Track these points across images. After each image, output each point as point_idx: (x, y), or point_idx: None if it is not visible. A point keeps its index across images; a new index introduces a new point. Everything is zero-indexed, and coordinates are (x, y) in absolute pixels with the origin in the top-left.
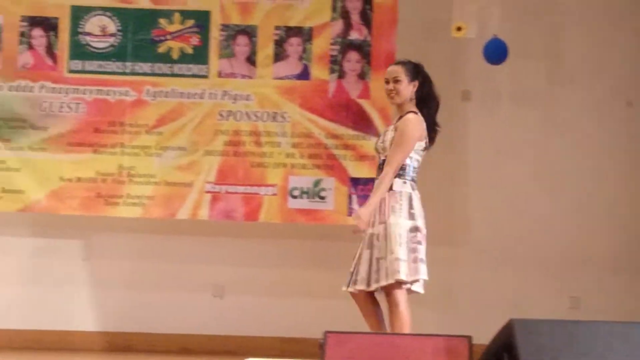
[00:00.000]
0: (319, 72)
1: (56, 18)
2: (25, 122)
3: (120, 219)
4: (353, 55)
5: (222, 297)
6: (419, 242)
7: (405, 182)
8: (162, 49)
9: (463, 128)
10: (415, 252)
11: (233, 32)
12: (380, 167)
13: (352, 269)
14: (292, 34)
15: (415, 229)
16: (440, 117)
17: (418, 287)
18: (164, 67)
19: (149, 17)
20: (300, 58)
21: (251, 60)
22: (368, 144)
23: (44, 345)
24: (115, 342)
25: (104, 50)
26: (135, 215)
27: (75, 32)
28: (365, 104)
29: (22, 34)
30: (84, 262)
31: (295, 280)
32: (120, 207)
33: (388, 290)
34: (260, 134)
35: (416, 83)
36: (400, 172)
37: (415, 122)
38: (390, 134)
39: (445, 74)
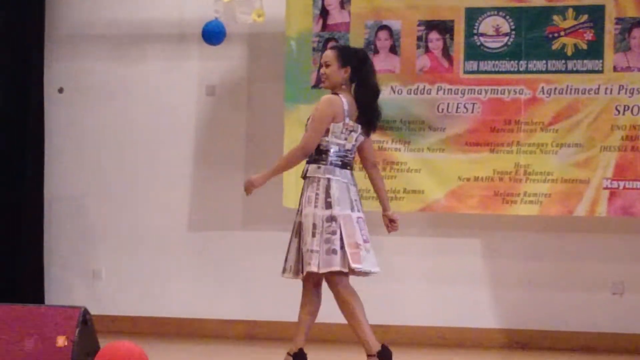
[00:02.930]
0: None
1: (452, 21)
2: (423, 123)
3: (515, 217)
4: None
5: (622, 294)
6: (334, 232)
7: (320, 167)
8: (556, 45)
9: None
10: (328, 242)
11: (628, 25)
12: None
13: (285, 256)
14: None
15: (330, 219)
16: None
17: (367, 267)
18: (558, 64)
19: (542, 15)
20: None
21: None
22: None
23: (448, 342)
24: (515, 338)
25: (498, 50)
26: (533, 213)
27: (470, 33)
28: None
29: (419, 38)
30: (483, 260)
31: None
32: (517, 205)
33: (325, 277)
34: None
35: (348, 69)
36: (317, 157)
37: (327, 103)
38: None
39: None
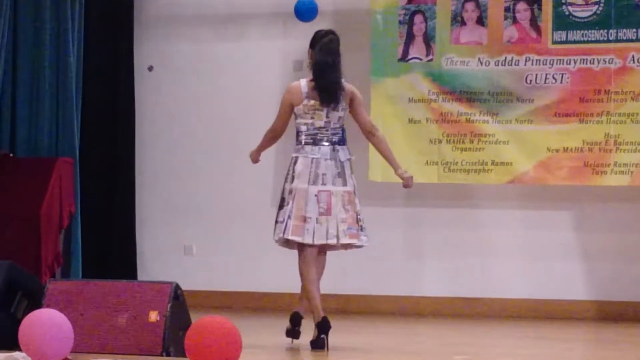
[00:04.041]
0: None
1: None
2: (511, 95)
3: (606, 188)
4: None
5: None
6: (283, 205)
7: (295, 147)
8: None
9: None
10: (281, 214)
11: None
12: None
13: None
14: None
15: (287, 192)
16: None
17: (308, 239)
18: None
19: None
20: None
21: None
22: None
23: (539, 314)
24: (606, 310)
25: (587, 19)
26: (623, 183)
27: (558, 2)
28: None
29: (507, 9)
30: (574, 232)
31: None
32: (607, 175)
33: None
34: None
35: (311, 51)
36: (296, 138)
37: (286, 90)
38: None
39: None
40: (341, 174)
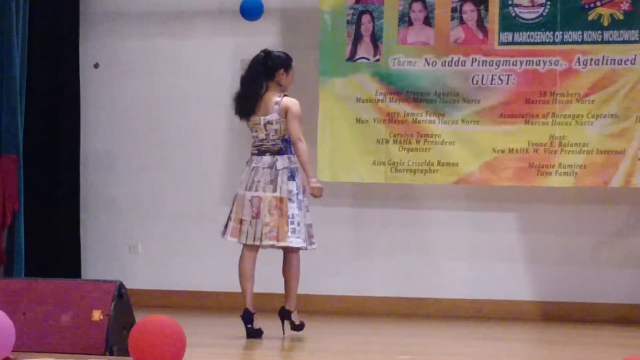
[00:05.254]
0: None
1: None
2: (458, 95)
3: (551, 189)
4: None
5: None
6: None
7: None
8: (592, 16)
9: None
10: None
11: None
12: None
13: None
14: None
15: (234, 197)
16: None
17: (242, 240)
18: (594, 35)
19: None
20: None
21: None
22: None
23: (485, 315)
24: (551, 311)
25: (533, 21)
26: (567, 184)
27: (505, 4)
28: None
29: (454, 10)
30: (519, 233)
31: None
32: (552, 177)
33: None
34: None
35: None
36: None
37: None
38: None
39: None
40: (273, 181)
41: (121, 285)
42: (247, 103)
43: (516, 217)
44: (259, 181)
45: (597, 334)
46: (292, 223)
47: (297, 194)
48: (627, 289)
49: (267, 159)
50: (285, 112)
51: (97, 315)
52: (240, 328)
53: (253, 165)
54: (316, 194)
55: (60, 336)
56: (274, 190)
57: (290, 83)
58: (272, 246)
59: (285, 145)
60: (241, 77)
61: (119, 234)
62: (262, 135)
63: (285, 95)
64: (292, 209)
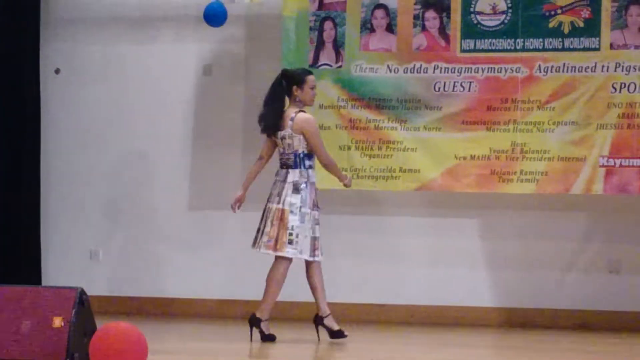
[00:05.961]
0: None
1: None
2: (420, 102)
3: (512, 196)
4: None
5: (618, 272)
6: None
7: None
8: (552, 23)
9: None
10: None
11: (625, 3)
12: None
13: None
14: None
15: None
16: None
17: (263, 250)
18: (555, 42)
19: None
20: None
21: None
22: None
23: (446, 321)
24: (512, 317)
25: (495, 28)
26: (529, 191)
27: (467, 11)
28: None
29: (416, 17)
30: (481, 239)
31: None
32: (514, 183)
33: None
34: None
35: None
36: None
37: None
38: None
39: None
40: (280, 194)
41: (82, 292)
42: (267, 122)
43: (478, 224)
44: (272, 193)
45: (558, 340)
46: (291, 235)
47: (301, 207)
48: (588, 295)
49: (282, 172)
50: (300, 130)
51: (57, 322)
52: (203, 335)
53: (275, 177)
54: (348, 184)
55: (20, 343)
56: (279, 203)
57: (309, 97)
58: (268, 254)
59: (298, 160)
60: (264, 99)
61: (80, 240)
62: (281, 150)
63: (301, 111)
64: (293, 220)
